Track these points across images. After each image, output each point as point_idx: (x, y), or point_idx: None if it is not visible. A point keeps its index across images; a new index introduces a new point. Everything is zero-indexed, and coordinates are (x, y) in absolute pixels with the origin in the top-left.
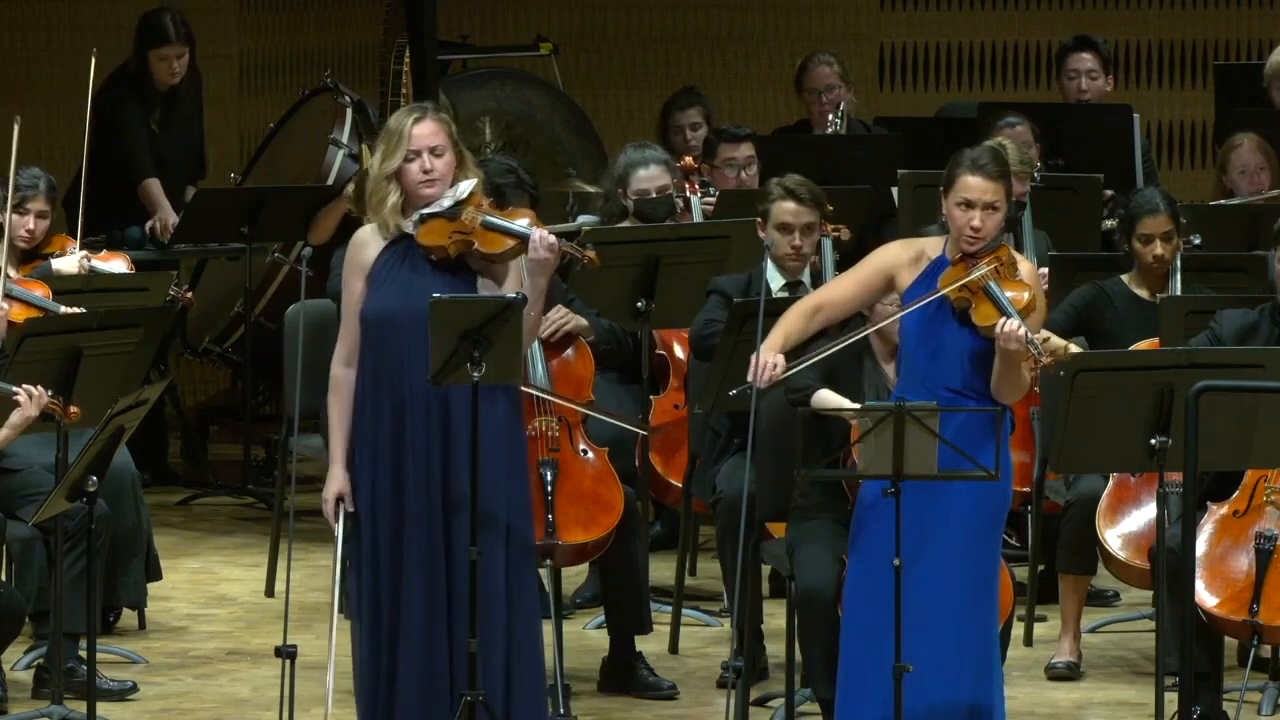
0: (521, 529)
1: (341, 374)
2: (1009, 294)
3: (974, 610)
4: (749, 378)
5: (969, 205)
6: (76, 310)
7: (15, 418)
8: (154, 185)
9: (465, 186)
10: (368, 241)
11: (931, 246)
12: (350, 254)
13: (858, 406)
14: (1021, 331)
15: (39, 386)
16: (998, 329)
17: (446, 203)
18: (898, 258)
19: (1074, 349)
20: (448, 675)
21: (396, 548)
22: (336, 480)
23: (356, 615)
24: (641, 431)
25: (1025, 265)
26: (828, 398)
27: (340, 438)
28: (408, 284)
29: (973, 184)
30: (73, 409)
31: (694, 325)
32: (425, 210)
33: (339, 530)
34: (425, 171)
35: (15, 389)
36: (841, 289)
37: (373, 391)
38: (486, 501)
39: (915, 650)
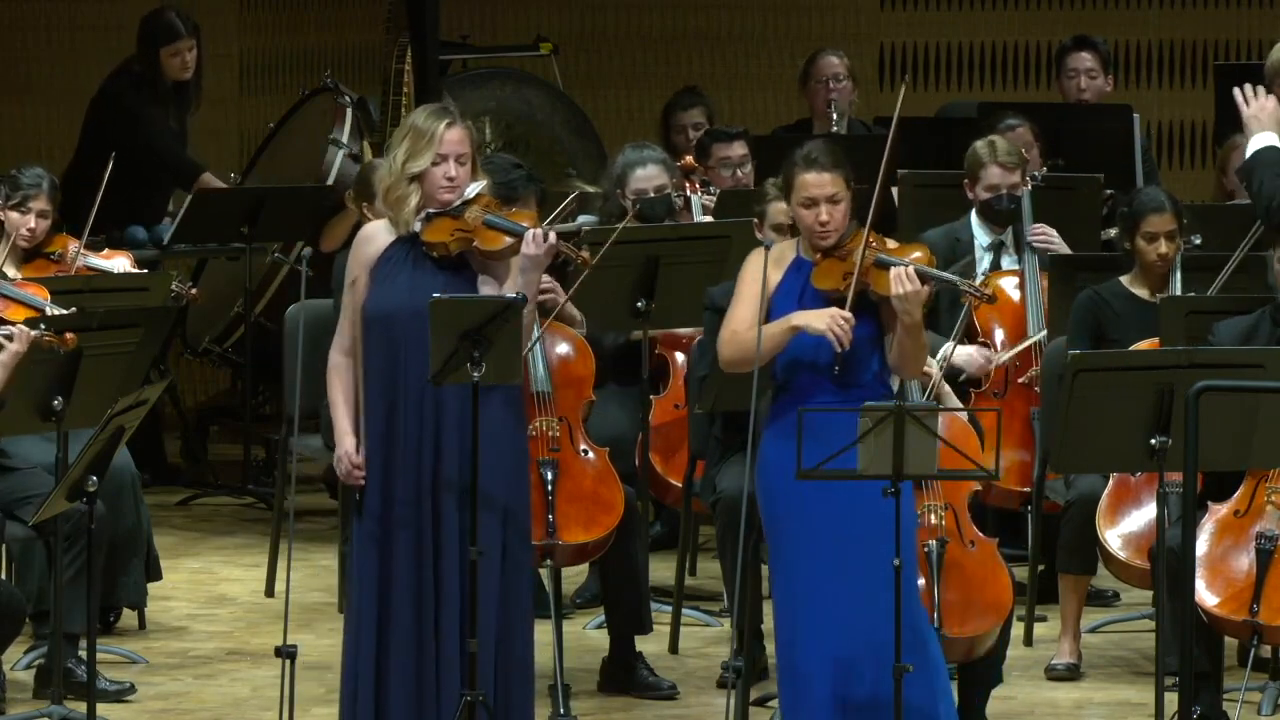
0: (518, 531)
1: (341, 360)
2: (901, 255)
3: (888, 605)
4: (838, 348)
5: (812, 203)
6: (63, 311)
7: (4, 356)
8: (208, 177)
9: (473, 188)
10: (374, 236)
11: (787, 248)
12: (356, 248)
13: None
14: (912, 269)
15: (20, 326)
16: (891, 277)
17: (455, 202)
18: (761, 262)
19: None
20: (434, 674)
21: (385, 546)
22: (346, 441)
23: (354, 610)
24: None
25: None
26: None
27: (345, 412)
28: (409, 281)
29: (809, 181)
30: (68, 335)
31: (697, 370)
32: (433, 210)
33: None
34: (449, 179)
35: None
36: (752, 313)
37: (371, 389)
38: (481, 501)
39: (844, 649)
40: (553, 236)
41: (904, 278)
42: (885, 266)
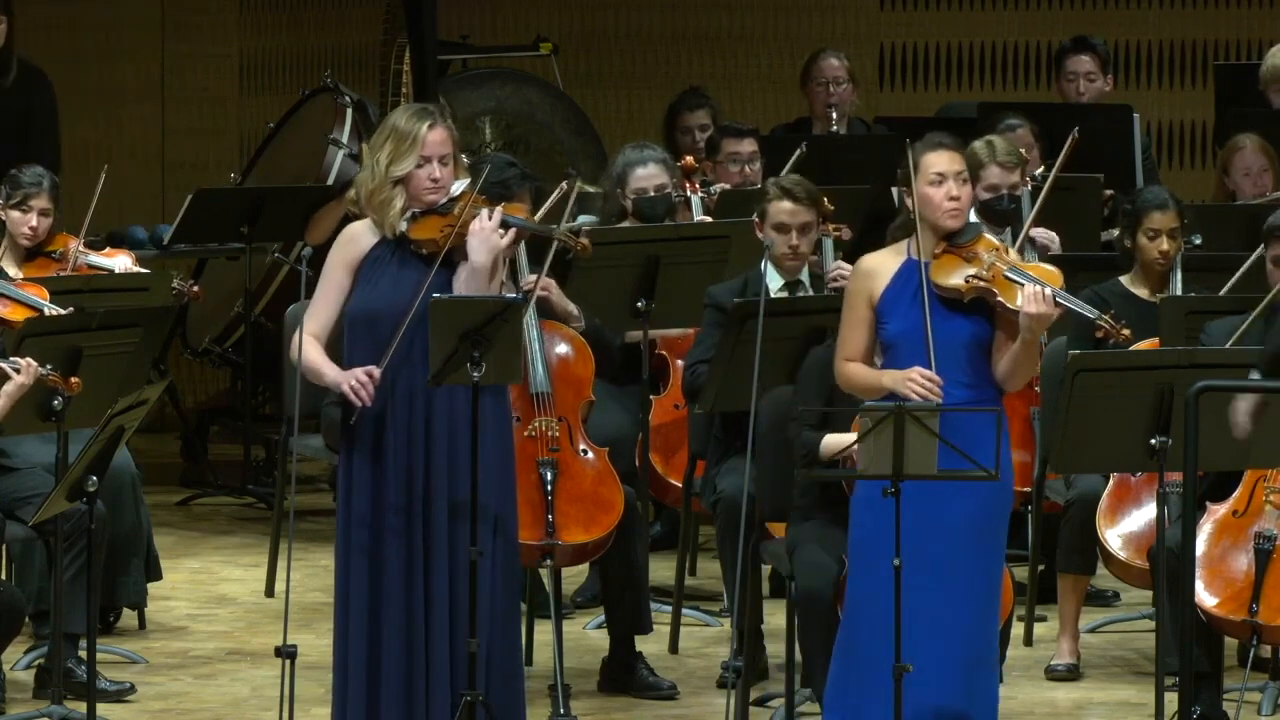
0: (504, 531)
1: (309, 338)
2: (1033, 273)
3: (980, 614)
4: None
5: (941, 178)
6: (62, 311)
7: (9, 387)
8: None
9: (457, 186)
10: (358, 238)
11: (892, 253)
12: (340, 247)
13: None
14: (1049, 292)
15: (28, 359)
16: (1027, 295)
17: (441, 200)
18: (863, 278)
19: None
20: (424, 675)
21: (375, 547)
22: (333, 373)
23: (340, 613)
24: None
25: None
26: (833, 442)
27: (325, 363)
28: (393, 280)
29: (938, 159)
30: (73, 379)
31: (688, 359)
32: (418, 210)
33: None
34: (433, 180)
35: (8, 360)
36: (858, 337)
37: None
38: (468, 502)
39: (921, 652)
40: (499, 215)
41: (1040, 298)
42: (1018, 280)
